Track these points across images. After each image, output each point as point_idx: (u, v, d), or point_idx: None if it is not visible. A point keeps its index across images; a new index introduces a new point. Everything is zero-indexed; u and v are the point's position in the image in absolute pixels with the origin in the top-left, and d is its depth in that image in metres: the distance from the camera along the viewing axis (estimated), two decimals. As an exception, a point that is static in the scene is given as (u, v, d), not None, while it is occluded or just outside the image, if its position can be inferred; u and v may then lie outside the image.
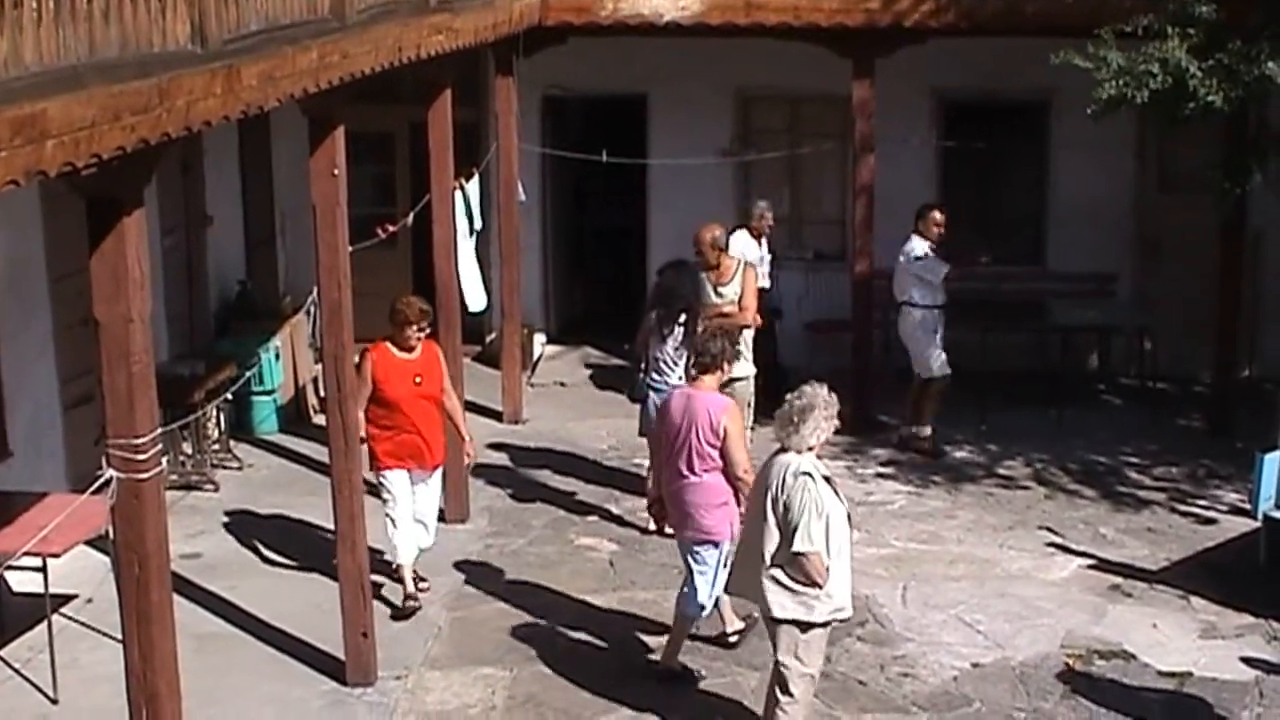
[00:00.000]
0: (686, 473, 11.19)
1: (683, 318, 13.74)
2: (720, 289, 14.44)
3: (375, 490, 12.55)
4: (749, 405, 13.99)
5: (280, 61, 8.97)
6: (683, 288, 14.01)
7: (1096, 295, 18.64)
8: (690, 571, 11.37)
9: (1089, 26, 14.62)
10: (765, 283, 16.52)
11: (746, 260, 15.00)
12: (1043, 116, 18.86)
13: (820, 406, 9.81)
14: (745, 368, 14.18)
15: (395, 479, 12.62)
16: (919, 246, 16.11)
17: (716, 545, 11.25)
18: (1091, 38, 14.43)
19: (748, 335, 14.34)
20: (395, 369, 12.49)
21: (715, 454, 11.10)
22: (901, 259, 16.18)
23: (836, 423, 9.97)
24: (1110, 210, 18.33)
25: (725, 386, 13.13)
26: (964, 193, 19.00)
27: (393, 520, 12.63)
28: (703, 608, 11.43)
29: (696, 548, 11.30)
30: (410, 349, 12.57)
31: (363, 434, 12.06)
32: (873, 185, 16.84)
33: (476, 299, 16.06)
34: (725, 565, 11.11)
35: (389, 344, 12.56)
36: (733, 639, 11.92)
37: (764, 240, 16.90)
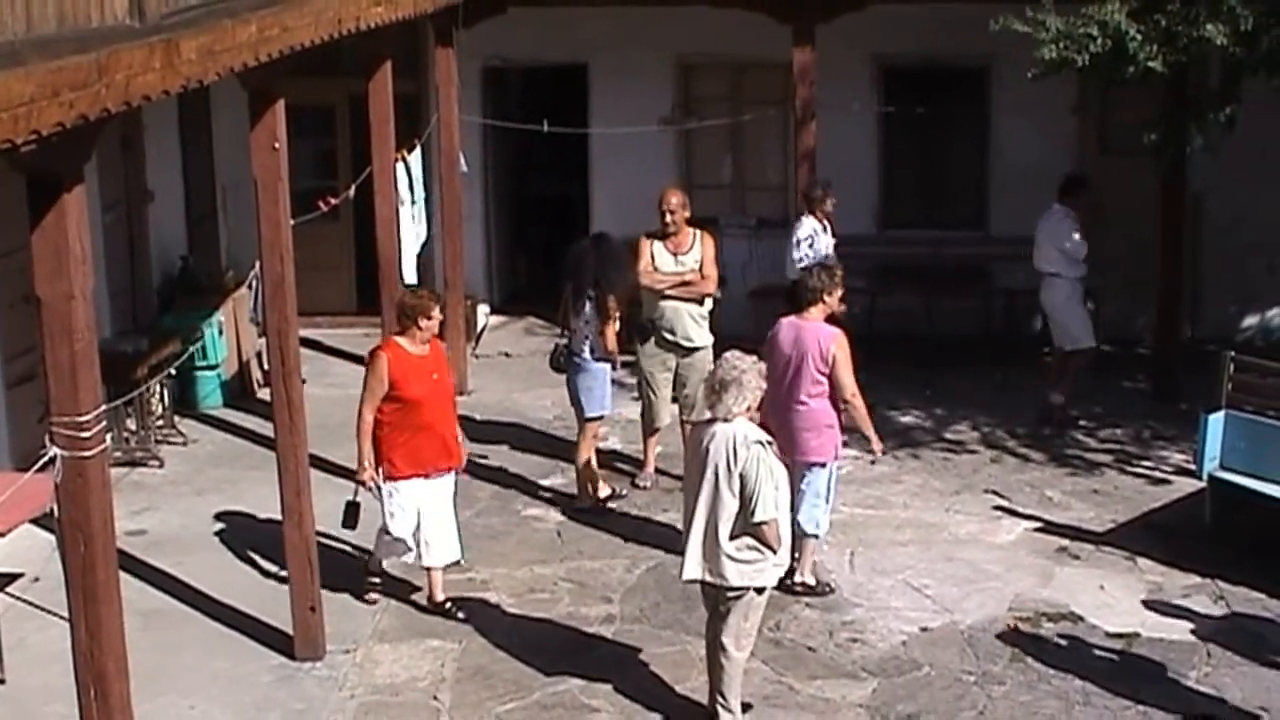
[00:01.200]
0: (799, 399, 11.99)
1: (591, 293, 13.74)
2: (681, 257, 14.33)
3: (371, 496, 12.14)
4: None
5: (220, 35, 8.90)
6: (591, 261, 13.91)
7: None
8: (802, 496, 12.09)
9: (1027, -8, 14.67)
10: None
11: (705, 228, 14.91)
12: (983, 81, 18.90)
13: (744, 376, 9.86)
14: (704, 337, 14.22)
15: (407, 490, 11.90)
16: (1064, 218, 16.02)
17: (824, 465, 12.21)
18: (1030, 2, 14.47)
19: (707, 304, 14.39)
20: (413, 367, 11.83)
21: (825, 380, 11.94)
22: (1042, 229, 16.06)
23: (761, 390, 10.01)
24: (1052, 174, 18.34)
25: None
26: (906, 158, 19.09)
27: (390, 531, 12.03)
28: (818, 525, 12.34)
29: (807, 470, 12.15)
30: (424, 344, 11.96)
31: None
32: (815, 152, 16.84)
33: (408, 272, 15.81)
34: (835, 485, 12.45)
35: (400, 341, 11.94)
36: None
37: (828, 224, 16.22)
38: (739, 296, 18.30)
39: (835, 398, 12.05)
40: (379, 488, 11.92)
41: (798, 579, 12.22)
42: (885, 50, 18.70)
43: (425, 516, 11.97)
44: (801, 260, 15.12)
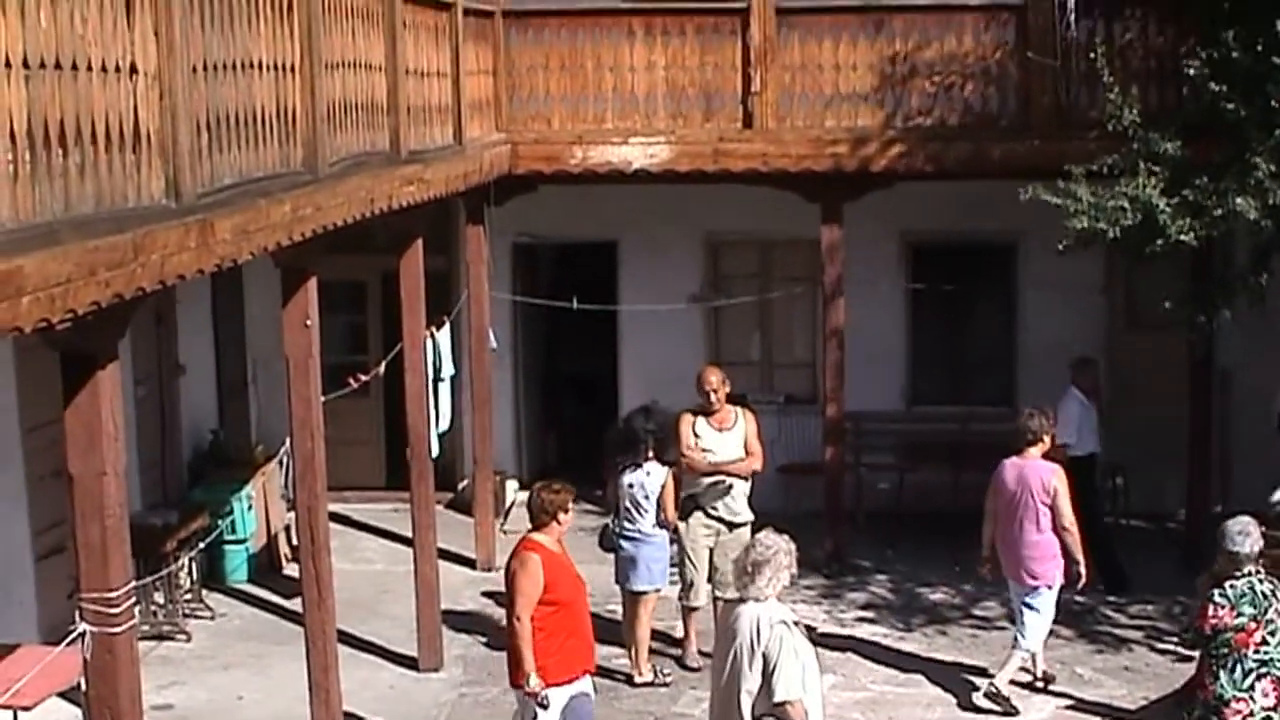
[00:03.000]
0: (1026, 529, 13.36)
1: (646, 463, 13.70)
2: (724, 433, 14.31)
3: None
4: None
5: (254, 215, 9.03)
6: (642, 430, 13.91)
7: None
8: (1023, 614, 13.49)
9: (1055, 169, 14.80)
10: (1092, 445, 16.36)
11: (746, 405, 14.94)
12: (1011, 257, 19.00)
13: (777, 556, 9.83)
14: (747, 513, 14.19)
15: (559, 696, 10.89)
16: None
17: (1050, 588, 13.41)
18: (1058, 176, 14.59)
19: (749, 481, 14.41)
20: (559, 566, 11.08)
21: (1049, 512, 13.28)
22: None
23: (794, 570, 9.99)
24: (1080, 349, 18.43)
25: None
26: (934, 335, 19.12)
27: None
28: (1027, 639, 13.52)
29: (1032, 594, 13.43)
30: (559, 540, 11.28)
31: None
32: (843, 328, 16.91)
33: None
34: (1055, 606, 13.60)
35: (541, 539, 11.14)
36: None
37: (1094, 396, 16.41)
38: (768, 473, 18.25)
39: (1056, 526, 13.31)
40: (538, 699, 10.85)
41: (995, 683, 13.42)
42: (913, 227, 18.81)
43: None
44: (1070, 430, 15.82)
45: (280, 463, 17.07)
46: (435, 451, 15.26)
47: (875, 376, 17.45)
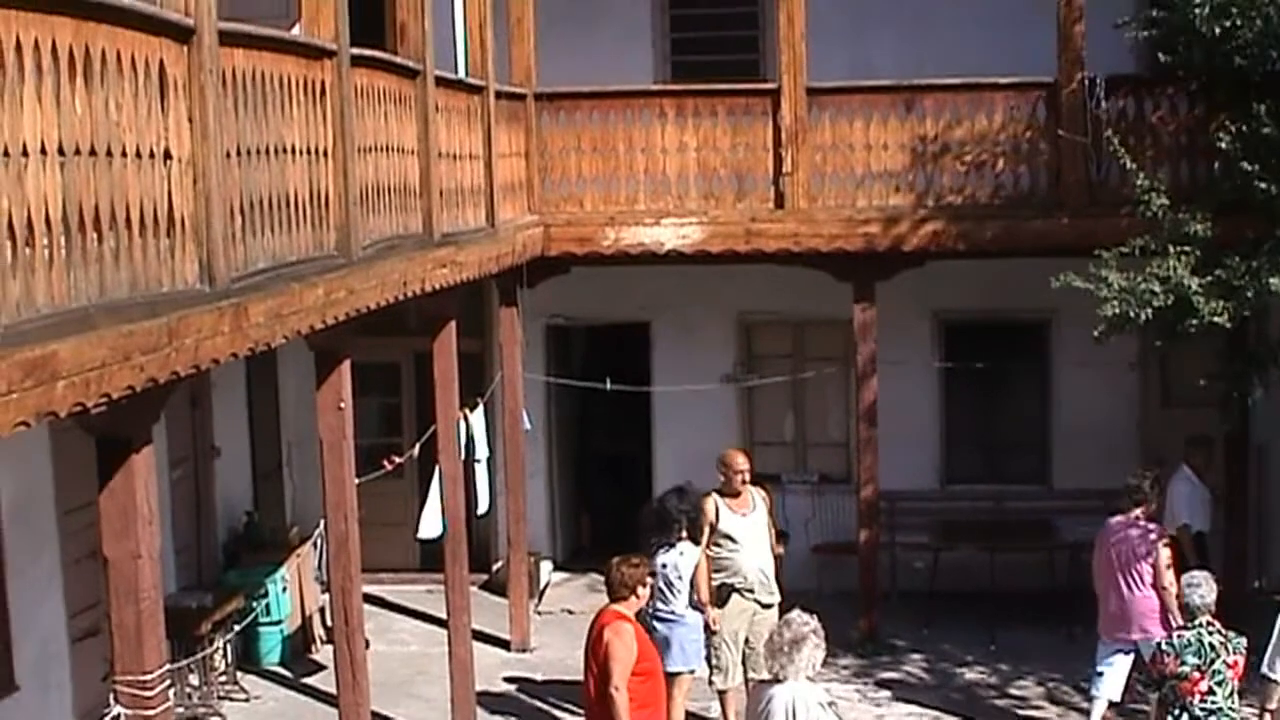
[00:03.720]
0: (1129, 585, 13.80)
1: (680, 543, 13.66)
2: (744, 515, 14.29)
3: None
4: None
5: (287, 299, 9.08)
6: (675, 511, 13.85)
7: (1103, 512, 18.61)
8: (1109, 665, 14.05)
9: (1087, 246, 14.81)
10: (1201, 524, 16.06)
11: (761, 484, 14.91)
12: (1043, 335, 18.99)
13: (810, 635, 9.81)
14: (777, 594, 14.15)
15: None
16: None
17: (1149, 640, 13.18)
18: (1090, 258, 14.59)
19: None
20: (642, 638, 11.41)
21: (1150, 570, 13.70)
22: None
23: (823, 650, 9.98)
24: (1114, 426, 18.38)
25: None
26: (967, 413, 19.10)
27: None
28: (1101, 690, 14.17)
29: (1132, 645, 13.84)
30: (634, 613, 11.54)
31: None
32: (876, 407, 16.90)
33: (431, 526, 15.31)
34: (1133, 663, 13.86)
35: (623, 609, 11.40)
36: None
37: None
38: (802, 552, 18.27)
39: (1156, 584, 13.72)
40: None
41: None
42: (945, 306, 18.81)
43: None
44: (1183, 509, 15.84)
45: (315, 544, 17.08)
46: (439, 531, 14.96)
47: (909, 455, 17.41)
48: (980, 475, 19.06)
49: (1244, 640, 11.20)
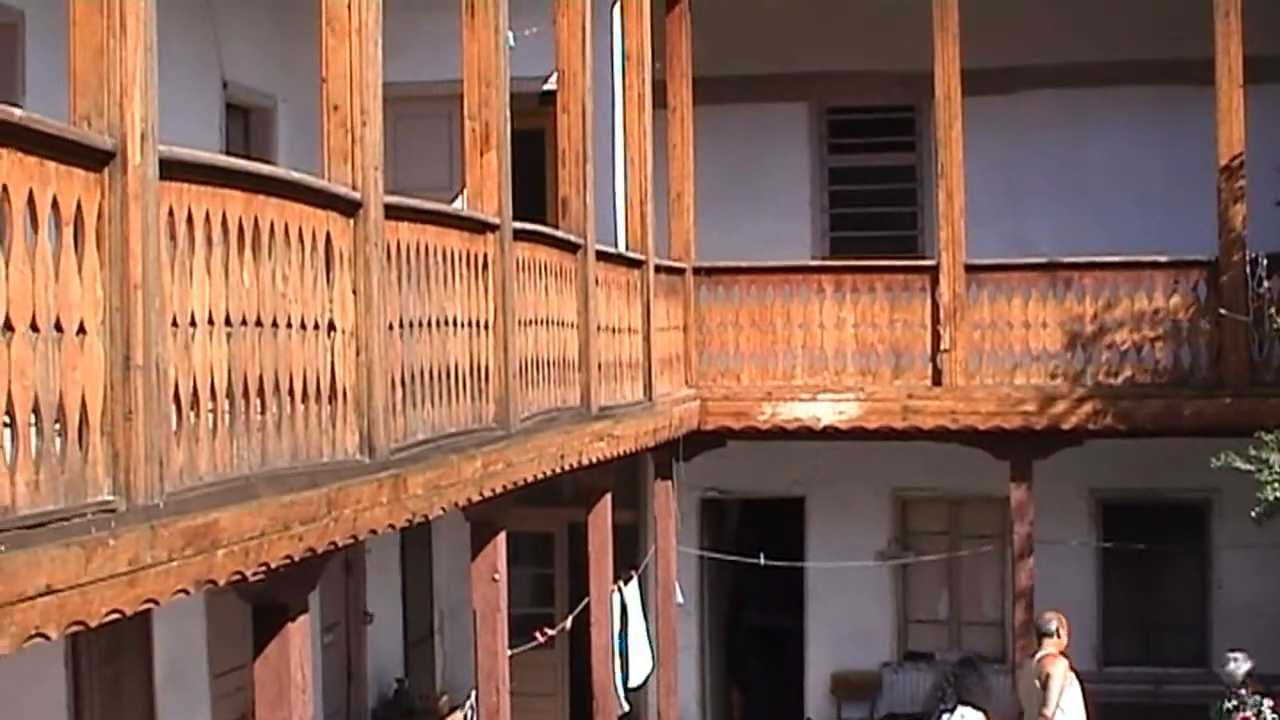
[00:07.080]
0: None
1: (958, 698, 13.42)
2: (1041, 682, 14.22)
3: None
4: None
5: (446, 471, 9.13)
6: (953, 676, 13.64)
7: (1265, 697, 18.22)
8: None
9: (1248, 427, 14.58)
10: None
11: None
12: (1204, 516, 18.73)
13: None
14: None
15: None
16: None
17: None
18: (1251, 438, 14.38)
19: None
20: None
21: None
22: None
23: None
24: (1276, 609, 18.04)
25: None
26: (1125, 594, 18.83)
27: None
28: None
29: None
30: None
31: None
32: (1032, 588, 16.69)
33: (641, 667, 15.61)
34: None
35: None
36: None
37: None
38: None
39: None
40: None
41: None
42: (1103, 485, 18.63)
43: None
44: None
45: (465, 714, 17.04)
46: (649, 668, 14.95)
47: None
48: (1138, 658, 18.76)
49: None
